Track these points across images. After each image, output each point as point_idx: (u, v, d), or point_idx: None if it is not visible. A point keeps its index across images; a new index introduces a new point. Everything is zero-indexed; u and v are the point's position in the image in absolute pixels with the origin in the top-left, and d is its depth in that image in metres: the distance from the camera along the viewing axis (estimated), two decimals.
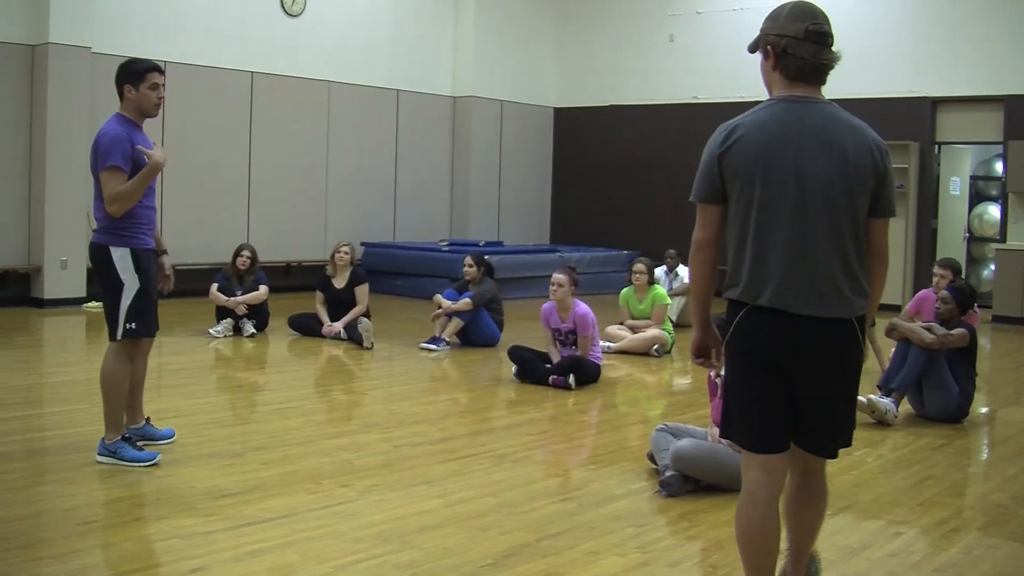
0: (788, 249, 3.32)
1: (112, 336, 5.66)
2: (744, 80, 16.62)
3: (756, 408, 3.43)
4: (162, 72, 5.79)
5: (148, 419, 6.12)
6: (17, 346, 10.24)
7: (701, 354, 3.67)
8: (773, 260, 3.33)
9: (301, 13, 15.33)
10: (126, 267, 5.59)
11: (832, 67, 3.43)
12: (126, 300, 5.59)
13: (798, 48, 3.36)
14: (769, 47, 3.43)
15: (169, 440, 6.14)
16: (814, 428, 3.45)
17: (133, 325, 5.62)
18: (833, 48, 3.42)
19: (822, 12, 3.43)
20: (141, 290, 5.63)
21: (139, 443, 5.82)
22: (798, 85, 3.41)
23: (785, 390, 3.40)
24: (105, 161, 5.47)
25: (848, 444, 3.54)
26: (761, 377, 3.40)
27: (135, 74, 5.66)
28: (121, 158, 5.47)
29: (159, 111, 5.80)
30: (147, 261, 5.69)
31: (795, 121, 3.36)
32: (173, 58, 13.63)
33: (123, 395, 5.70)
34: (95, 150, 5.56)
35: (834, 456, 3.55)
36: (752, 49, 3.55)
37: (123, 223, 5.57)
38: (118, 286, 5.59)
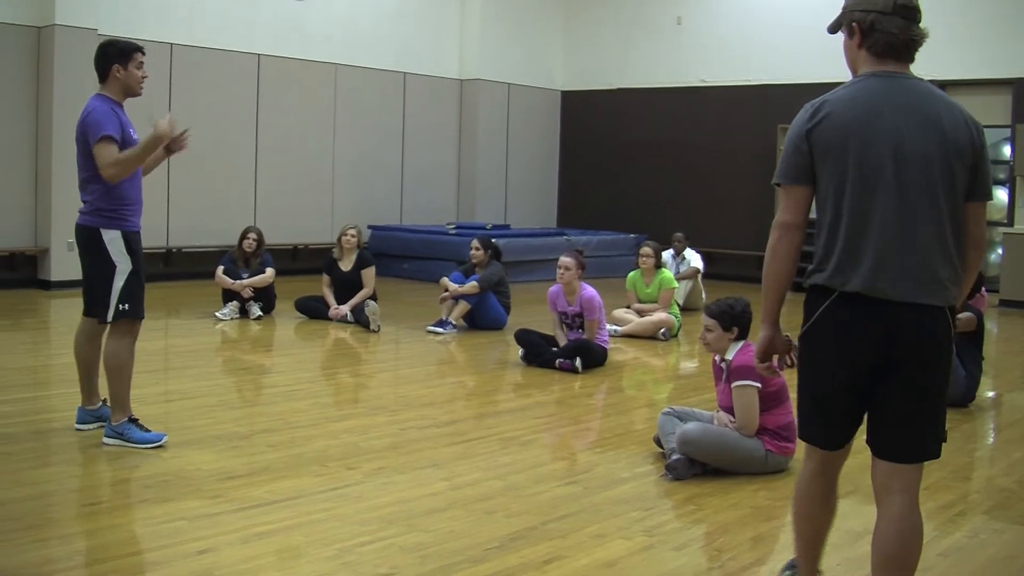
0: (886, 229, 3.14)
1: (103, 318, 5.66)
2: (752, 63, 16.63)
3: (832, 406, 3.28)
4: (144, 52, 5.79)
5: (105, 401, 5.99)
6: (24, 328, 10.26)
7: (767, 358, 3.44)
8: (870, 241, 3.15)
9: None
10: (118, 249, 5.58)
11: (921, 43, 3.27)
12: (119, 282, 5.59)
13: (886, 23, 3.22)
14: (855, 24, 3.28)
15: None
16: (896, 428, 3.23)
17: (126, 307, 5.62)
18: (921, 24, 3.27)
19: None
20: (133, 272, 5.63)
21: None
22: (887, 61, 3.25)
23: (867, 386, 3.23)
24: (98, 132, 5.45)
25: (936, 455, 3.27)
26: (845, 372, 3.22)
27: (124, 53, 5.66)
28: (113, 129, 5.47)
29: (143, 91, 5.80)
30: (137, 244, 5.68)
31: (888, 96, 3.20)
32: (180, 40, 13.64)
33: (128, 376, 5.70)
34: (84, 126, 5.54)
35: (916, 461, 3.25)
36: (833, 29, 3.42)
37: (113, 205, 5.56)
38: (110, 268, 5.58)
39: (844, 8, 3.36)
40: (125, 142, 5.54)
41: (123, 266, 5.59)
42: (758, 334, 3.46)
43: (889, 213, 3.15)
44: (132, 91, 5.71)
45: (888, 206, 3.15)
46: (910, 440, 3.24)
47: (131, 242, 5.62)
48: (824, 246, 3.25)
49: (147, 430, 5.71)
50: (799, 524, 3.56)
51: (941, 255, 3.16)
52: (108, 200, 5.55)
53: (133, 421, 5.70)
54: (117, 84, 5.67)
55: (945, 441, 3.30)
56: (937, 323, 3.18)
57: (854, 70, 3.36)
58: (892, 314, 3.15)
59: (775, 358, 3.46)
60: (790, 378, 4.03)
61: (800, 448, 3.66)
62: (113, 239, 5.57)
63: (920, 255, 3.14)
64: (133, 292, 5.64)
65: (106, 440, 5.66)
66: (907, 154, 3.15)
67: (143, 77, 5.73)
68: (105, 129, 5.45)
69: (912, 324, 3.15)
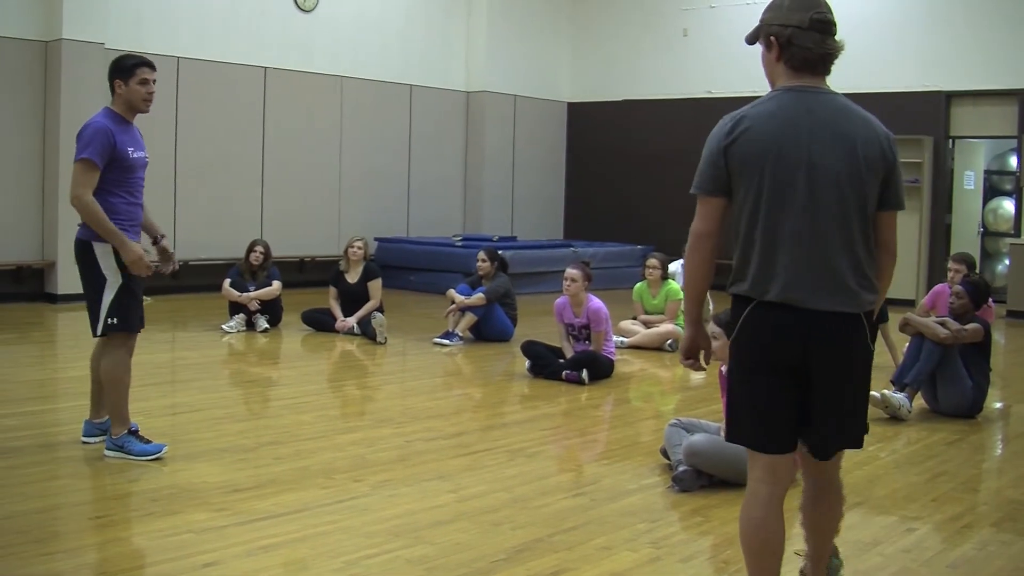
0: (798, 242, 3.25)
1: (93, 331, 5.68)
2: (758, 74, 16.56)
3: (763, 407, 3.36)
4: (153, 68, 5.74)
5: None
6: (31, 341, 10.28)
7: (691, 355, 3.59)
8: (782, 253, 3.26)
9: (314, 8, 15.32)
10: (109, 264, 5.57)
11: (837, 56, 3.38)
12: (108, 295, 5.59)
13: (803, 38, 3.31)
14: (772, 38, 3.38)
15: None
16: (822, 427, 3.37)
17: (114, 320, 5.62)
18: (837, 37, 3.37)
19: (824, 0, 3.38)
20: (124, 286, 5.62)
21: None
22: (803, 76, 3.35)
23: (793, 388, 3.33)
24: (82, 151, 5.44)
25: (858, 446, 3.46)
26: (769, 375, 3.33)
27: (124, 69, 5.64)
28: (97, 153, 5.43)
29: (149, 107, 5.75)
30: None
31: (804, 111, 3.29)
32: (186, 54, 13.66)
33: (126, 388, 5.71)
34: (77, 139, 5.53)
35: (832, 456, 3.47)
36: (751, 40, 3.50)
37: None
38: (100, 282, 5.59)
39: (761, 21, 3.45)
40: (120, 160, 5.51)
41: (112, 280, 5.59)
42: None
43: (801, 227, 3.27)
44: (135, 107, 5.68)
45: (799, 221, 3.27)
46: (834, 438, 3.42)
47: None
48: (740, 258, 3.37)
49: (147, 441, 5.70)
50: (750, 551, 3.45)
51: (851, 266, 3.29)
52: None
53: (133, 433, 5.70)
54: (120, 100, 5.66)
55: (867, 432, 3.48)
56: (852, 329, 3.31)
57: (772, 82, 3.46)
58: (807, 321, 3.27)
59: (702, 354, 3.60)
60: None
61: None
62: (105, 253, 5.56)
63: (831, 267, 3.27)
64: (124, 306, 5.63)
65: (107, 453, 5.66)
66: (819, 169, 3.26)
67: (149, 93, 5.67)
68: (87, 152, 5.43)
69: (826, 330, 3.28)
